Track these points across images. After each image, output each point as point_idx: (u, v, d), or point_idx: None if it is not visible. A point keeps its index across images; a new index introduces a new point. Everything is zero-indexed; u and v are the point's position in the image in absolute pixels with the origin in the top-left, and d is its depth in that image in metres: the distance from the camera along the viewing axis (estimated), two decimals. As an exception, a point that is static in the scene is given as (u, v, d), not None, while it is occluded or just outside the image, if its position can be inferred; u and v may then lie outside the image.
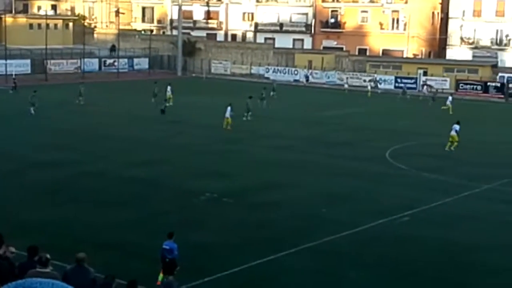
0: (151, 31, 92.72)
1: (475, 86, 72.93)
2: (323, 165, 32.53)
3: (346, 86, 71.50)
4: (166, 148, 35.49)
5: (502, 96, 70.11)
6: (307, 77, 78.96)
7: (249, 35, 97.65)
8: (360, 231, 21.86)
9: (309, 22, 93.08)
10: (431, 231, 22.23)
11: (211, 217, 23.07)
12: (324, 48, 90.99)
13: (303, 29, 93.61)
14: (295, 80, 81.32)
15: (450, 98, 58.03)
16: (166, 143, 37.13)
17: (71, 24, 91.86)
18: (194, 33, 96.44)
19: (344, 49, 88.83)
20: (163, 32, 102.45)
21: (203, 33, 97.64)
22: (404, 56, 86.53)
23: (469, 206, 25.82)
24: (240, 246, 19.96)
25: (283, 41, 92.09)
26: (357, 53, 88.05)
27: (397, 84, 75.68)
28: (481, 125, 50.58)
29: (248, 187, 27.24)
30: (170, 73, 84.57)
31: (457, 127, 37.98)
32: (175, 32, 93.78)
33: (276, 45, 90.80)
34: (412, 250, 20.27)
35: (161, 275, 16.15)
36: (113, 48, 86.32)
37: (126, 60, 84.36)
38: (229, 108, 42.06)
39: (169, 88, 53.90)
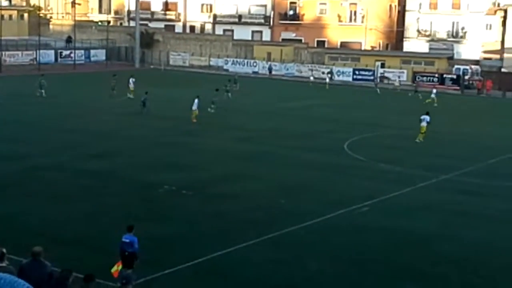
0: (108, 22, 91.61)
1: (431, 78, 73.81)
2: (282, 157, 32.57)
3: (311, 78, 71.34)
4: (124, 140, 35.12)
5: (458, 88, 71.12)
6: (270, 69, 78.95)
7: (208, 27, 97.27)
8: (320, 221, 21.93)
9: (268, 14, 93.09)
10: (389, 221, 22.42)
11: (170, 209, 22.90)
12: (283, 40, 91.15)
13: (262, 21, 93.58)
14: (254, 72, 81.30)
15: (434, 90, 59.02)
16: (124, 135, 36.75)
17: (26, 15, 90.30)
18: (152, 25, 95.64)
19: (303, 41, 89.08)
20: (121, 24, 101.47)
21: (161, 25, 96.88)
22: (362, 48, 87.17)
23: (426, 197, 26.10)
24: (199, 238, 19.85)
25: (242, 33, 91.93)
26: (315, 45, 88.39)
27: (355, 76, 76.21)
28: (437, 117, 51.15)
29: (208, 179, 27.11)
30: (127, 64, 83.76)
31: (427, 118, 38.31)
32: (132, 24, 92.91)
33: (235, 37, 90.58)
34: (371, 240, 20.41)
35: (115, 267, 15.92)
36: (69, 40, 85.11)
37: (82, 51, 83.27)
38: (196, 100, 41.77)
39: (131, 80, 53.33)
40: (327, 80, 69.67)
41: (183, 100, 47.02)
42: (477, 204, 25.37)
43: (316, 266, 18.00)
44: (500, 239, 21.12)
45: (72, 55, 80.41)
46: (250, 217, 22.19)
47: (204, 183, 26.46)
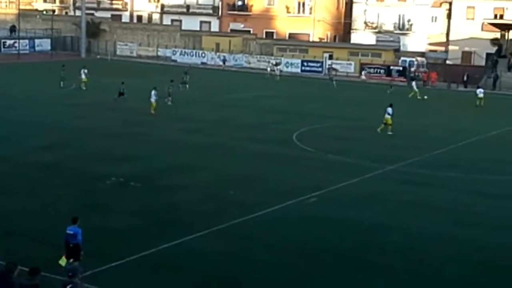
0: (53, 11, 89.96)
1: (378, 70, 74.70)
2: (231, 148, 32.54)
3: (269, 70, 70.74)
4: (72, 132, 34.57)
5: (405, 79, 72.13)
6: (224, 60, 78.63)
7: (155, 17, 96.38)
8: (268, 212, 21.97)
9: (216, 5, 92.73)
10: (337, 211, 22.61)
11: (118, 201, 22.64)
12: (232, 30, 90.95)
13: (210, 11, 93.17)
14: (203, 63, 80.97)
15: (413, 83, 60.08)
16: (71, 126, 36.19)
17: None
18: (98, 14, 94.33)
19: (252, 32, 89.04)
20: (66, 13, 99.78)
21: (107, 14, 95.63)
22: (310, 39, 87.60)
23: (373, 187, 26.39)
24: (148, 229, 19.68)
25: (190, 24, 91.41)
26: (264, 36, 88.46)
27: (303, 68, 76.57)
28: (384, 107, 51.75)
29: (156, 171, 26.90)
30: (73, 54, 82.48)
31: (389, 110, 38.61)
32: (78, 13, 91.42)
33: (183, 27, 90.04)
34: (319, 230, 20.55)
35: (63, 259, 15.69)
36: (13, 29, 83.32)
37: (27, 41, 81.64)
38: (153, 92, 41.24)
39: (83, 71, 52.43)
40: (277, 72, 69.71)
41: (131, 91, 46.50)
42: (423, 194, 25.77)
43: (264, 257, 18.03)
44: (445, 229, 21.49)
45: (16, 44, 78.77)
46: (199, 208, 22.10)
47: (152, 174, 26.24)
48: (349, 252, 18.87)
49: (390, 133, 38.21)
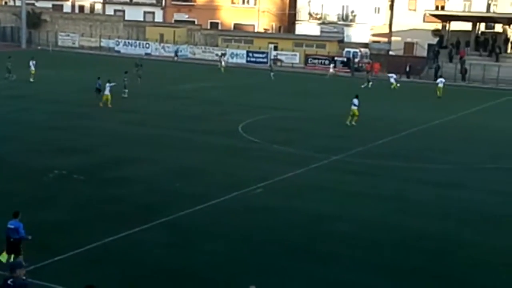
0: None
1: (323, 61, 75.26)
2: (176, 140, 32.31)
3: (223, 63, 69.79)
4: (14, 125, 33.81)
5: (349, 70, 72.86)
6: (176, 52, 77.85)
7: (98, 7, 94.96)
8: (214, 204, 21.90)
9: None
10: (283, 202, 22.67)
11: (61, 194, 22.23)
12: (176, 21, 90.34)
13: (154, 1, 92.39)
14: (147, 54, 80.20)
15: (394, 76, 61.41)
16: (14, 119, 35.40)
17: None
18: (39, 4, 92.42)
19: (196, 22, 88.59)
20: (5, 3, 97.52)
21: (48, 4, 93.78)
22: (255, 30, 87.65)
23: (318, 177, 26.56)
24: (92, 223, 19.39)
25: (134, 14, 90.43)
26: (209, 27, 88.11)
27: (248, 59, 76.59)
28: (329, 98, 52.28)
29: (100, 163, 26.51)
30: (13, 45, 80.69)
31: (356, 101, 38.80)
32: (18, 3, 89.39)
33: (126, 18, 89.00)
34: (265, 221, 20.58)
35: (3, 255, 15.33)
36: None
37: (-35, 31, 79.55)
38: (107, 84, 40.36)
39: (31, 62, 51.23)
40: (223, 63, 69.37)
41: (74, 82, 45.78)
42: (367, 184, 26.05)
43: (210, 248, 17.96)
44: (389, 217, 21.78)
45: (-47, 35, 76.64)
46: (144, 201, 21.87)
47: (96, 167, 25.85)
48: (295, 242, 18.94)
49: (354, 123, 38.48)
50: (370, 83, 60.72)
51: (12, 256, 15.20)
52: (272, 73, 63.57)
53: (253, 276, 16.28)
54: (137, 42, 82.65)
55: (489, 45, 74.18)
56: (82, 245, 17.39)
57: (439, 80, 57.80)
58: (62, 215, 19.98)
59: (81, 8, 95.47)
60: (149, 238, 18.43)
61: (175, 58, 76.80)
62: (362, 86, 59.13)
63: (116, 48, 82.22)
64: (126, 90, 44.43)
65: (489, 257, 18.59)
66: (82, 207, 20.94)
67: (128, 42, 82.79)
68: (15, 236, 15.23)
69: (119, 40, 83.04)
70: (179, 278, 16.18)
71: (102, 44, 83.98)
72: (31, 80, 49.76)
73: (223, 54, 73.85)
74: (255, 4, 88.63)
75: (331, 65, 71.21)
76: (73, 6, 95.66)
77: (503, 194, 25.50)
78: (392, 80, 60.77)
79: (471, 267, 17.79)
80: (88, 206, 21.08)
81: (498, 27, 78.38)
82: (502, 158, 32.42)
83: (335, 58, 74.97)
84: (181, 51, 78.73)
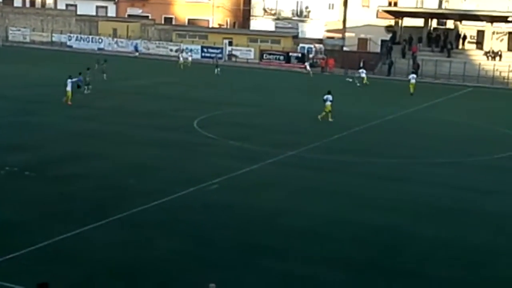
0: None
1: (278, 56, 75.42)
2: (130, 136, 31.99)
3: (181, 59, 68.89)
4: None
5: (303, 65, 73.10)
6: (136, 48, 76.92)
7: (50, 1, 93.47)
8: (169, 200, 21.74)
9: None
10: (239, 198, 22.63)
11: (12, 192, 21.80)
12: (129, 16, 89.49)
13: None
14: (100, 49, 79.27)
15: (364, 71, 62.12)
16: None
17: None
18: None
19: (150, 17, 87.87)
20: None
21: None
22: (210, 26, 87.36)
23: (274, 173, 26.59)
24: (44, 220, 19.05)
25: (86, 8, 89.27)
26: (163, 22, 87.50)
27: (203, 54, 76.30)
28: (284, 94, 52.42)
29: (52, 160, 26.08)
30: (-38, 40, 78.94)
31: (330, 97, 38.85)
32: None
33: (79, 12, 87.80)
34: (221, 217, 20.50)
35: None
36: None
37: None
38: (69, 80, 39.49)
39: None
40: (181, 59, 68.70)
41: (25, 77, 44.95)
42: (321, 178, 26.20)
43: (165, 245, 17.81)
44: (341, 211, 21.92)
45: None
46: (97, 197, 21.58)
47: (48, 163, 25.42)
48: (250, 238, 18.91)
49: (320, 118, 38.64)
50: (357, 81, 61.21)
51: None
52: (217, 69, 62.58)
53: (209, 273, 16.21)
54: (90, 37, 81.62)
55: (441, 41, 75.29)
56: (34, 243, 17.06)
57: (410, 76, 57.49)
58: (13, 212, 19.58)
59: (32, 2, 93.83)
60: (102, 236, 18.20)
61: (136, 53, 76.01)
62: (349, 80, 60.87)
63: (68, 43, 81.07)
64: (90, 86, 43.75)
65: (440, 250, 18.85)
66: (34, 204, 20.57)
67: (81, 37, 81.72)
68: None
69: (71, 35, 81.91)
70: (133, 275, 16.00)
71: (53, 39, 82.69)
72: None
73: (183, 50, 73.29)
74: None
75: (307, 63, 70.86)
76: (23, 0, 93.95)
77: (454, 188, 25.88)
78: (363, 75, 61.24)
79: (423, 260, 18.00)
80: (39, 203, 20.71)
81: (450, 23, 79.60)
82: (452, 152, 32.94)
83: (290, 54, 75.17)
84: (126, 45, 77.94)
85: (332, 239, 19.22)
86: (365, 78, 61.43)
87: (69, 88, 39.30)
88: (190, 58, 68.76)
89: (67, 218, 19.33)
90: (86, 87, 43.48)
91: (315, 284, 16.12)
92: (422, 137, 37.14)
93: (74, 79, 39.86)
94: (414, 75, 57.89)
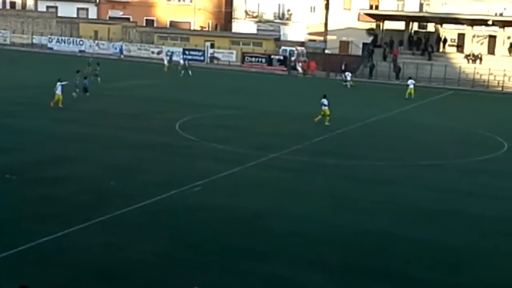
0: None
1: (260, 59, 75.52)
2: (111, 138, 31.85)
3: (165, 62, 68.65)
4: None
5: (285, 68, 73.25)
6: (121, 50, 76.54)
7: (30, 3, 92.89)
8: (152, 202, 21.65)
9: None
10: (221, 200, 22.60)
11: (-8, 195, 21.60)
12: (110, 18, 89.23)
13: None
14: (81, 51, 78.90)
15: (349, 74, 63.30)
16: None
17: None
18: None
19: (131, 19, 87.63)
20: None
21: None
22: (192, 28, 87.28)
23: (256, 175, 26.59)
24: (26, 223, 18.89)
25: (67, 10, 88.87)
26: (144, 24, 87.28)
27: (185, 56, 76.20)
28: (266, 96, 52.48)
29: (32, 163, 25.89)
30: None
31: (325, 101, 38.88)
32: None
33: (59, 14, 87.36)
34: (204, 219, 20.46)
35: None
36: None
37: None
38: (58, 83, 39.14)
39: None
40: (165, 62, 68.45)
41: (5, 79, 44.62)
42: (303, 181, 26.24)
43: (148, 248, 17.74)
44: (324, 213, 21.96)
45: None
46: (78, 200, 21.45)
47: (28, 166, 25.24)
48: (233, 240, 18.89)
49: (327, 123, 38.54)
50: (349, 83, 61.74)
51: None
52: (184, 71, 62.27)
53: (192, 275, 16.18)
54: (71, 39, 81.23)
55: (422, 44, 75.77)
56: (15, 245, 16.92)
57: (409, 81, 56.52)
58: (-6, 216, 19.41)
59: (13, 4, 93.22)
60: (84, 238, 18.09)
61: (121, 56, 75.69)
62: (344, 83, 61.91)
63: (49, 45, 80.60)
64: (78, 90, 43.36)
65: (424, 252, 18.94)
66: (15, 207, 20.40)
67: (62, 39, 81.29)
68: None
69: (52, 37, 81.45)
70: (116, 278, 15.92)
71: (34, 41, 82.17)
72: None
73: (172, 53, 73.01)
74: (191, 1, 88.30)
75: (298, 64, 71.15)
76: (4, 2, 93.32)
77: (436, 190, 26.02)
78: (349, 77, 61.79)
79: (406, 263, 18.07)
80: (21, 206, 20.55)
81: (431, 27, 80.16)
82: (434, 155, 33.12)
83: (272, 56, 75.27)
84: (108, 48, 77.61)
85: (314, 241, 19.24)
86: (350, 81, 61.99)
87: (58, 92, 38.94)
88: (182, 61, 68.57)
89: (49, 221, 19.20)
90: (76, 90, 42.95)
91: (296, 286, 16.13)
92: (404, 139, 37.33)
93: (64, 82, 39.57)
94: (413, 81, 57.05)
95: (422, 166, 30.45)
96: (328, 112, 38.86)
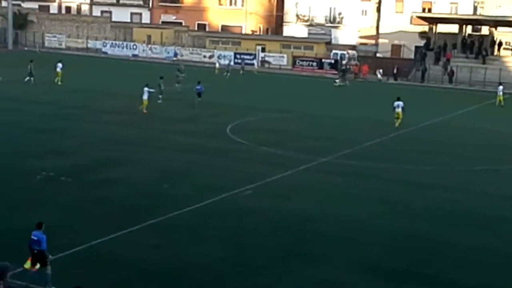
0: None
1: (310, 63, 75.35)
2: (164, 141, 32.22)
3: (217, 65, 69.48)
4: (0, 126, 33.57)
5: (336, 72, 72.94)
6: (175, 54, 77.46)
7: (85, 8, 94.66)
8: (203, 206, 21.85)
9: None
10: (272, 204, 22.66)
11: (49, 197, 22.09)
12: (163, 22, 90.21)
13: (141, 2, 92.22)
14: (134, 55, 79.97)
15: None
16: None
17: None
18: (25, 5, 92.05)
19: (183, 24, 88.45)
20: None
21: (35, 5, 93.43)
22: (243, 32, 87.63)
23: (306, 179, 26.58)
24: (80, 225, 19.28)
25: (121, 15, 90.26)
26: (196, 28, 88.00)
27: (236, 60, 76.54)
28: (317, 100, 52.36)
29: (87, 165, 26.37)
30: (0, 46, 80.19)
31: (401, 103, 39.29)
32: (4, 3, 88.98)
33: (114, 19, 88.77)
34: (254, 223, 20.56)
35: (28, 263, 15.05)
36: None
37: (-49, 32, 79.03)
38: (146, 89, 39.80)
39: (58, 65, 50.96)
40: (217, 65, 69.08)
41: (59, 84, 45.51)
42: (354, 185, 26.10)
43: (198, 250, 17.91)
44: (375, 218, 21.81)
45: None
46: (132, 202, 21.78)
47: (83, 169, 25.72)
48: (284, 244, 18.93)
49: (397, 126, 39.08)
50: (347, 82, 61.87)
51: (37, 266, 14.92)
52: (227, 73, 62.98)
53: (242, 279, 16.28)
54: (124, 43, 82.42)
55: (476, 47, 74.53)
56: (70, 247, 17.28)
57: (499, 88, 54.58)
58: (50, 217, 19.77)
59: (68, 9, 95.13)
60: (136, 240, 18.36)
61: (176, 58, 76.27)
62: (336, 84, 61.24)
63: (103, 49, 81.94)
64: (161, 96, 43.75)
65: (476, 258, 18.66)
66: (70, 209, 20.83)
67: (115, 43, 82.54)
68: (37, 248, 14.90)
69: (106, 41, 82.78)
70: (167, 280, 16.12)
71: (89, 45, 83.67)
72: (59, 83, 49.62)
73: (224, 58, 73.73)
74: (242, 5, 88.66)
75: (378, 71, 70.43)
76: (59, 7, 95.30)
77: (490, 196, 25.60)
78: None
79: (458, 268, 17.85)
80: (75, 208, 20.97)
81: (485, 30, 78.77)
82: (488, 160, 32.56)
83: (323, 60, 75.06)
84: (160, 52, 78.48)
85: (365, 245, 19.14)
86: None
87: (145, 97, 39.63)
88: (217, 65, 69.21)
89: (103, 223, 19.55)
90: (159, 96, 43.30)
91: (348, 291, 16.08)
92: (457, 144, 36.80)
93: (151, 90, 40.26)
94: (502, 87, 55.06)
95: (476, 171, 29.98)
96: (401, 115, 38.87)
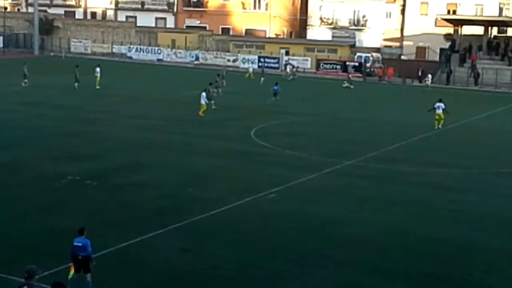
0: (5, 8, 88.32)
1: (335, 66, 75.16)
2: (188, 145, 32.33)
3: (250, 70, 69.69)
4: (23, 131, 33.88)
5: (360, 75, 72.69)
6: (197, 57, 77.76)
7: (110, 13, 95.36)
8: (228, 209, 21.87)
9: (171, 1, 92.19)
10: (296, 207, 22.63)
11: (75, 200, 22.27)
12: (187, 27, 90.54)
13: (166, 7, 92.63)
14: (159, 60, 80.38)
15: (429, 77, 63.75)
16: (23, 125, 35.47)
17: None
18: (51, 11, 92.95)
19: (208, 28, 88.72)
20: (18, 9, 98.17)
21: (61, 11, 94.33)
22: (267, 36, 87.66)
23: (331, 182, 26.50)
24: (105, 228, 19.38)
25: (145, 20, 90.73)
26: (220, 32, 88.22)
27: (260, 64, 76.61)
28: (340, 103, 52.22)
29: (112, 169, 26.55)
30: (26, 52, 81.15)
31: (442, 104, 40.01)
32: (31, 9, 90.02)
33: (138, 24, 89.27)
34: (278, 226, 20.54)
35: (71, 272, 15.15)
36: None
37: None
38: (203, 94, 40.44)
39: (97, 69, 51.55)
40: (251, 69, 69.27)
41: (87, 88, 45.86)
42: (380, 188, 25.95)
43: (224, 253, 17.93)
44: (402, 222, 21.68)
45: (-33, 42, 77.14)
46: (156, 206, 21.88)
47: (108, 172, 25.89)
48: (308, 247, 18.88)
49: (439, 127, 39.82)
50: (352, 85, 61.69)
51: (81, 273, 15.03)
52: (262, 78, 63.10)
53: (266, 282, 16.26)
54: (149, 48, 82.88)
55: (501, 49, 73.82)
56: (96, 250, 17.32)
57: None
58: (76, 221, 19.92)
59: (93, 14, 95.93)
60: (162, 243, 18.43)
61: (197, 62, 76.41)
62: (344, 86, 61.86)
63: (128, 54, 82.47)
64: (213, 101, 43.75)
65: (504, 262, 18.46)
66: (95, 212, 20.97)
67: (140, 48, 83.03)
68: (83, 254, 14.98)
69: (131, 46, 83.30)
70: (191, 283, 16.16)
71: (114, 50, 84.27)
72: (97, 87, 50.09)
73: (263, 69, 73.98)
74: (266, 9, 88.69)
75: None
76: (85, 13, 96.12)
77: (517, 198, 25.32)
78: (429, 81, 62.44)
79: (486, 273, 17.66)
80: (101, 211, 21.11)
81: (510, 31, 78.00)
82: (515, 162, 32.22)
83: (347, 63, 74.84)
84: (185, 56, 78.79)
85: (390, 249, 19.03)
86: (428, 84, 62.04)
87: (203, 102, 40.44)
88: (251, 69, 69.26)
89: (129, 226, 19.65)
90: (212, 102, 43.38)
91: (373, 294, 15.99)
92: (484, 146, 36.47)
93: (207, 93, 40.86)
94: None
95: (503, 173, 29.67)
96: (442, 116, 39.18)
